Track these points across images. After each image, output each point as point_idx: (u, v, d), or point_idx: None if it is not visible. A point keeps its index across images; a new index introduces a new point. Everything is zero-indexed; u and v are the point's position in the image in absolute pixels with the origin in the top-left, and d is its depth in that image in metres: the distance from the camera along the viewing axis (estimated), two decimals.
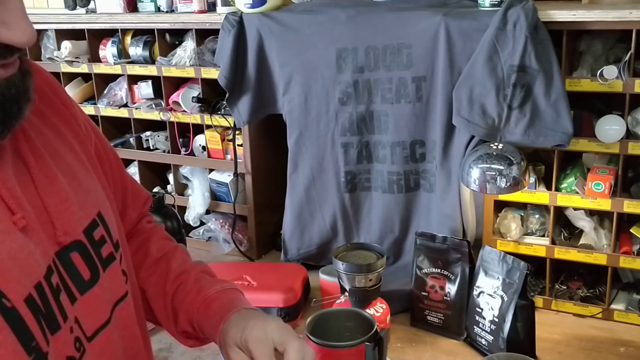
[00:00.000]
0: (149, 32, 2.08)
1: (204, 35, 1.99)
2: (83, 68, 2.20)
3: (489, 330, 1.46)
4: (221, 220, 2.11)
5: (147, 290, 1.00)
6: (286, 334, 0.85)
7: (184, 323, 0.96)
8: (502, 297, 1.44)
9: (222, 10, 1.90)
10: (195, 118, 2.02)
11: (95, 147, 0.89)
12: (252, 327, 0.85)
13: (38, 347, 0.66)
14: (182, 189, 2.20)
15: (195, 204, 2.10)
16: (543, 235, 1.66)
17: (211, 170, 2.11)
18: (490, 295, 1.46)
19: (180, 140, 2.10)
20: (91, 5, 2.18)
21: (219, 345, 0.90)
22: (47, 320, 0.69)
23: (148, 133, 2.18)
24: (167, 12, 2.06)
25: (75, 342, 0.74)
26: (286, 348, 0.82)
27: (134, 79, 2.13)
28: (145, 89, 2.09)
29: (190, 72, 1.99)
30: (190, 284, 0.98)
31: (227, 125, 1.98)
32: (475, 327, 1.49)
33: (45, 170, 0.75)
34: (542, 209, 1.68)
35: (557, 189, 1.59)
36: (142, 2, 2.10)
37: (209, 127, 2.04)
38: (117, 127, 2.29)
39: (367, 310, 1.36)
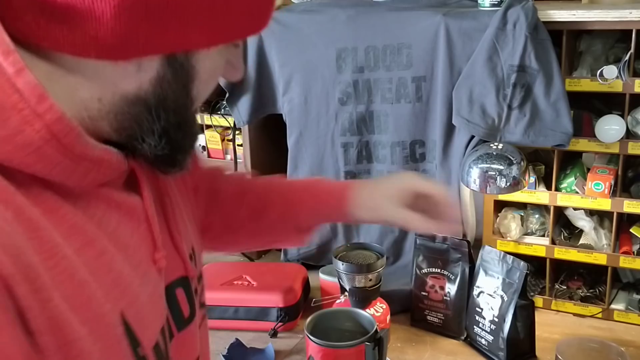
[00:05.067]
0: None
1: None
2: None
3: (489, 330, 1.46)
4: None
5: (269, 213, 1.04)
6: (420, 178, 1.07)
7: (308, 221, 1.04)
8: (502, 297, 1.44)
9: None
10: None
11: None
12: (403, 183, 1.02)
13: None
14: None
15: None
16: (543, 235, 1.66)
17: None
18: (490, 295, 1.46)
19: None
20: None
21: (353, 218, 1.01)
22: None
23: None
24: None
25: None
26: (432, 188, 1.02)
27: None
28: None
29: None
30: (295, 189, 1.07)
31: (227, 125, 1.98)
32: (475, 327, 1.49)
33: (172, 207, 0.74)
34: (542, 208, 1.68)
35: (557, 189, 1.59)
36: None
37: (209, 127, 2.04)
38: None
39: (367, 310, 1.36)
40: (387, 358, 1.39)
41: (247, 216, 1.04)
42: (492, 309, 1.45)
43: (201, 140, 2.07)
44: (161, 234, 0.68)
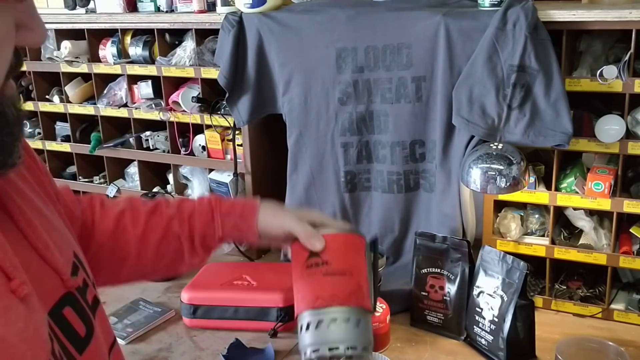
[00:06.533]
0: (149, 32, 2.08)
1: (204, 35, 1.99)
2: (83, 68, 2.20)
3: (488, 330, 1.46)
4: None
5: (151, 243, 0.96)
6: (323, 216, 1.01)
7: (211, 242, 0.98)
8: (501, 297, 1.44)
9: (221, 10, 1.90)
10: (195, 118, 2.02)
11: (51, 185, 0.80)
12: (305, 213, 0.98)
13: None
14: (182, 189, 2.20)
15: None
16: (543, 235, 1.66)
17: (211, 170, 2.11)
18: (490, 295, 1.46)
19: (180, 140, 2.10)
20: (91, 5, 2.18)
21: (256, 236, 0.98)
22: None
23: (148, 133, 2.18)
24: (166, 12, 2.05)
25: None
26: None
27: (133, 79, 2.13)
28: (145, 89, 2.09)
29: (190, 72, 1.99)
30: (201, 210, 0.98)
31: (227, 125, 1.98)
32: (475, 327, 1.49)
33: (29, 221, 0.66)
34: (541, 208, 1.68)
35: (557, 189, 1.59)
36: (142, 2, 2.10)
37: (208, 127, 2.04)
38: (117, 127, 2.28)
39: None
40: (386, 358, 1.39)
41: (133, 237, 0.95)
42: (492, 309, 1.45)
43: (201, 140, 2.07)
44: (20, 255, 0.60)
